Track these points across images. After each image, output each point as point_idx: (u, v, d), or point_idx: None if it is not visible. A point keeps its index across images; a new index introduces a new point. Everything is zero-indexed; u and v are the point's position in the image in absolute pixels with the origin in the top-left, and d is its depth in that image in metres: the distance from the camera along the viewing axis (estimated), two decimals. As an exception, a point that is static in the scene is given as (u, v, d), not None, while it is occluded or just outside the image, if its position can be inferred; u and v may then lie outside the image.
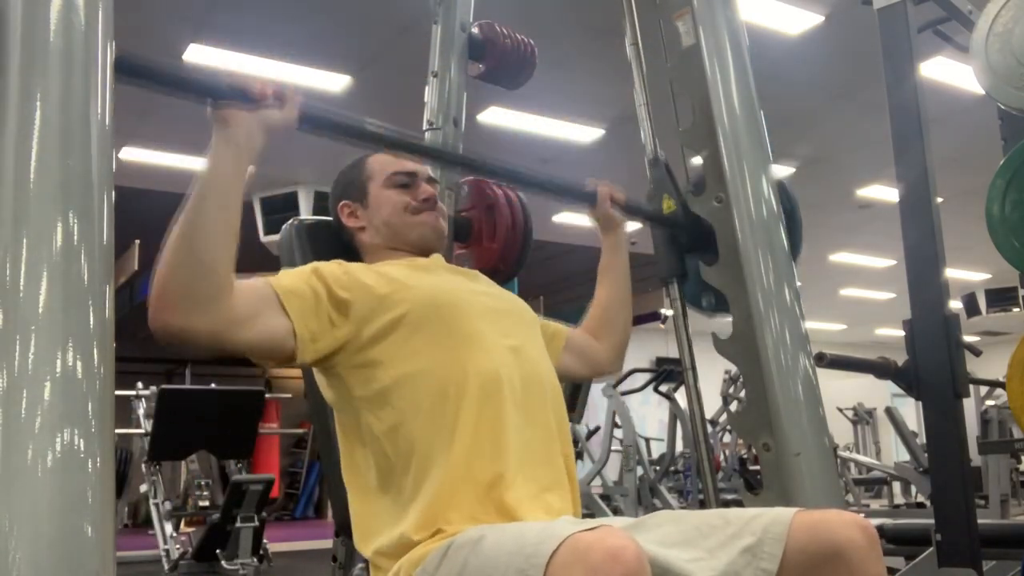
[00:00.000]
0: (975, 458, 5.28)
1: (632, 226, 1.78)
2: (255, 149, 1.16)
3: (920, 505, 7.41)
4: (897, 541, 2.30)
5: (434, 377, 1.26)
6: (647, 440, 7.65)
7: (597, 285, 1.73)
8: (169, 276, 1.08)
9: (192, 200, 1.10)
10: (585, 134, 6.60)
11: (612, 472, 6.90)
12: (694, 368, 1.88)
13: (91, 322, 0.87)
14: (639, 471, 6.74)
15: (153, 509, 4.85)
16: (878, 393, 9.43)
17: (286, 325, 1.21)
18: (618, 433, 6.96)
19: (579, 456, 7.09)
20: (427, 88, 2.04)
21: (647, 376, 7.31)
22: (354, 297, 1.28)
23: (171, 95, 1.13)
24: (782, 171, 6.74)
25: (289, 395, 7.97)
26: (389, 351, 1.27)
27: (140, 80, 1.08)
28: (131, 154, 6.43)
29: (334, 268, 1.31)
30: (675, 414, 7.14)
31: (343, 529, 1.69)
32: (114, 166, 0.94)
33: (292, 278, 1.26)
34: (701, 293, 1.91)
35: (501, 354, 1.31)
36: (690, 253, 1.89)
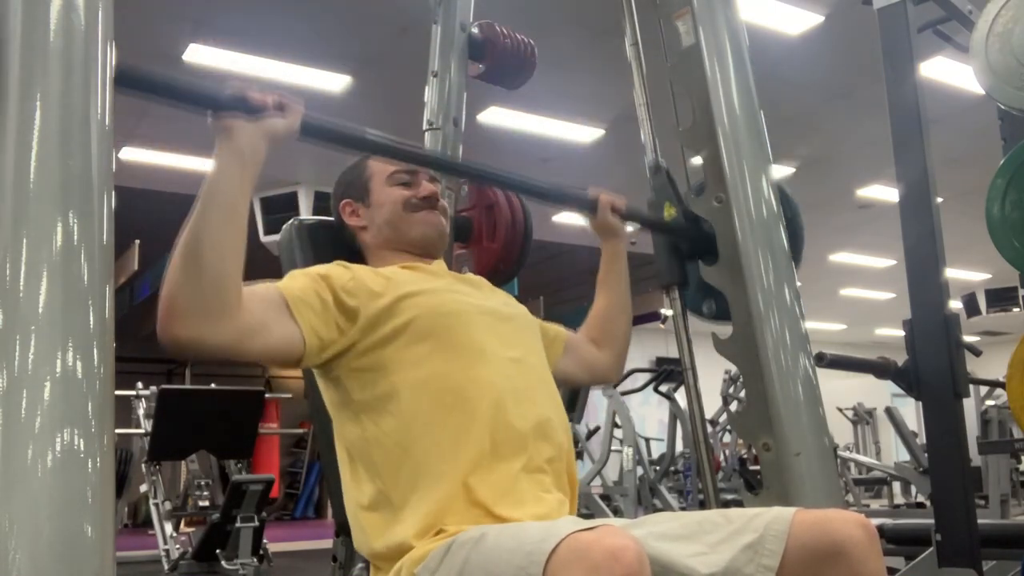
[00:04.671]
0: (975, 458, 5.28)
1: (632, 225, 1.79)
2: (259, 158, 1.15)
3: (920, 505, 7.43)
4: (897, 541, 2.30)
5: (436, 387, 1.25)
6: (647, 440, 7.65)
7: (596, 294, 1.72)
8: (176, 290, 1.06)
9: (197, 212, 1.08)
10: (585, 134, 6.60)
11: (612, 472, 6.90)
12: (694, 368, 1.88)
13: (91, 322, 0.87)
14: (639, 471, 6.74)
15: (153, 509, 4.84)
16: (878, 393, 9.42)
17: (296, 333, 1.20)
18: (618, 433, 6.95)
19: (579, 456, 7.09)
20: (427, 88, 2.05)
21: (647, 376, 7.30)
22: (360, 303, 1.27)
23: (171, 106, 1.11)
24: (782, 171, 6.73)
25: (289, 395, 7.97)
26: (392, 357, 1.27)
27: (139, 91, 1.07)
28: (131, 154, 6.43)
29: (341, 273, 1.30)
30: (675, 414, 7.14)
31: (343, 529, 1.69)
32: (114, 166, 0.94)
33: (301, 284, 1.25)
34: (702, 300, 1.91)
35: (503, 365, 1.31)
36: (691, 260, 1.89)
